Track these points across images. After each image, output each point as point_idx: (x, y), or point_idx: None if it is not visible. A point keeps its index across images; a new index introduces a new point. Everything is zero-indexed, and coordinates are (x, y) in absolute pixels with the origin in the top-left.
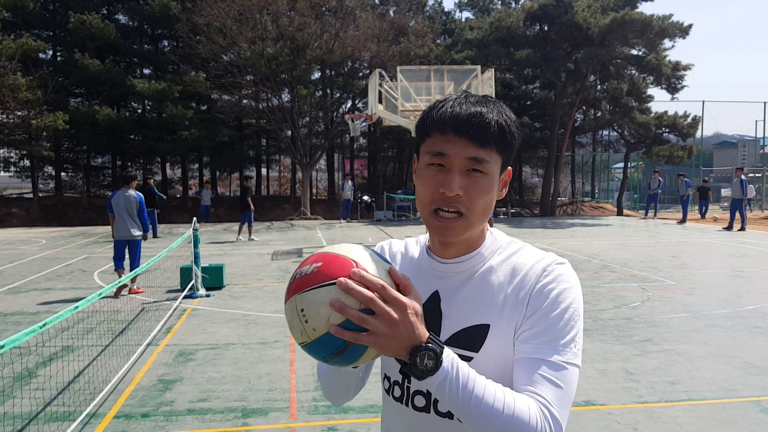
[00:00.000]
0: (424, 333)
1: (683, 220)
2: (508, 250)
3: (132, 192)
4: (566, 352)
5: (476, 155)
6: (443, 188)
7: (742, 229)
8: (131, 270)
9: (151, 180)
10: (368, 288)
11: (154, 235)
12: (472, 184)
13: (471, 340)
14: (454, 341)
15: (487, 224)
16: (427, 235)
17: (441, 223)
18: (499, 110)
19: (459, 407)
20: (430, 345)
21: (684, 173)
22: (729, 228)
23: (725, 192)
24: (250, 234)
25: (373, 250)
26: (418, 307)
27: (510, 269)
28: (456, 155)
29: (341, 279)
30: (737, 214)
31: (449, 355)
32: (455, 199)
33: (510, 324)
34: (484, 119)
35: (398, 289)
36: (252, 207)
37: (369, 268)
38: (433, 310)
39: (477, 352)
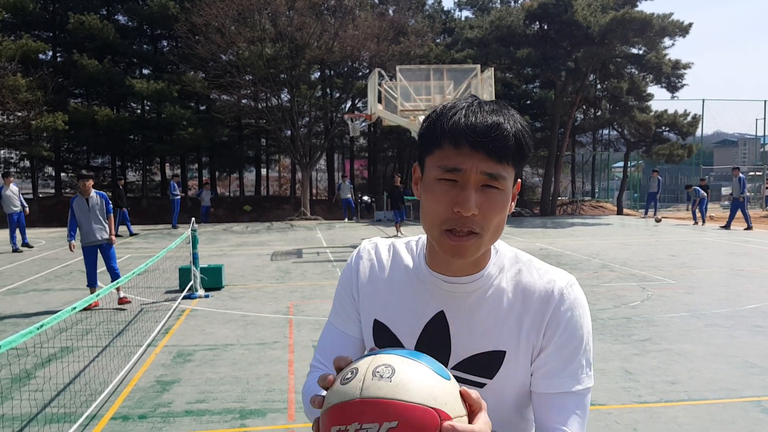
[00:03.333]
0: None
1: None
2: (515, 267)
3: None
4: (585, 378)
5: (494, 171)
6: (458, 207)
7: (749, 228)
8: (113, 277)
9: (122, 182)
10: None
11: (132, 233)
12: (488, 201)
13: (485, 366)
14: (467, 367)
15: None
16: (421, 243)
17: (454, 242)
18: (515, 119)
19: None
20: None
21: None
22: (727, 227)
23: (726, 190)
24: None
25: (429, 360)
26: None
27: (521, 290)
28: (472, 171)
29: None
30: (738, 213)
31: None
32: (470, 219)
33: (527, 351)
34: (503, 132)
35: (470, 412)
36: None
37: (451, 407)
38: (440, 331)
39: (491, 378)
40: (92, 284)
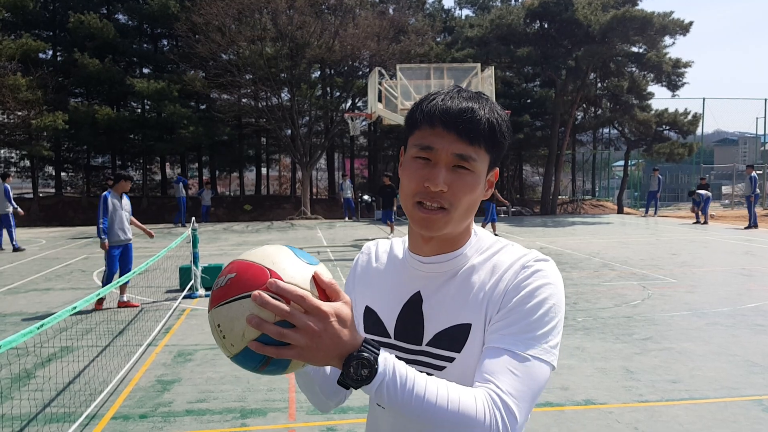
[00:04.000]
0: (355, 340)
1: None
2: (492, 249)
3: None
4: (535, 346)
5: (464, 152)
6: (428, 182)
7: (754, 226)
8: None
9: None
10: (286, 299)
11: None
12: (458, 180)
13: (453, 340)
14: (437, 342)
15: (473, 224)
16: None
17: (424, 214)
18: (491, 107)
19: (400, 408)
20: (363, 353)
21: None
22: (752, 226)
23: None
24: None
25: (297, 251)
26: (345, 314)
27: (491, 267)
28: (443, 150)
29: (255, 292)
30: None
31: (385, 360)
32: (439, 195)
33: (488, 321)
34: (476, 115)
35: (323, 295)
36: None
37: (289, 275)
38: (415, 311)
39: (459, 352)
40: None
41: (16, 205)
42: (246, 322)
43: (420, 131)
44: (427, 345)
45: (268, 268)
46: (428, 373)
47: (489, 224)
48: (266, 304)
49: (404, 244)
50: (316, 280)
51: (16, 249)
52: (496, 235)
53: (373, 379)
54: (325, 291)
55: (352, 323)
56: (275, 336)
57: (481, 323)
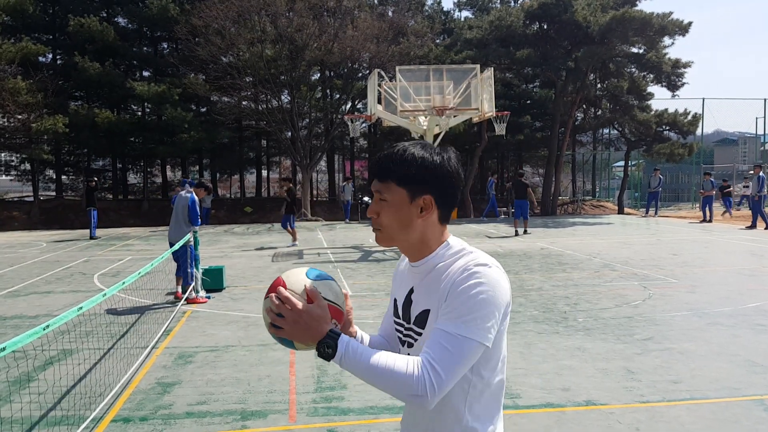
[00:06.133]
0: (322, 329)
1: (704, 219)
2: (455, 256)
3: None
4: (464, 327)
5: (377, 188)
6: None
7: (753, 226)
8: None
9: (93, 182)
10: (282, 300)
11: (92, 236)
12: (380, 209)
13: (422, 321)
14: (416, 322)
15: (447, 235)
16: None
17: (374, 234)
18: (408, 151)
19: (355, 373)
20: (327, 339)
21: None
22: (754, 226)
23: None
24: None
25: (311, 270)
26: (315, 312)
27: (448, 269)
28: (372, 188)
29: (270, 295)
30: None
31: (344, 341)
32: (374, 220)
33: (439, 309)
34: (382, 160)
35: (309, 300)
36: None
37: (290, 283)
38: (408, 300)
39: (423, 329)
40: (184, 281)
41: None
42: (264, 311)
43: None
44: (412, 324)
45: (283, 280)
46: (412, 344)
47: (521, 221)
48: (272, 303)
49: None
50: (306, 291)
51: None
52: (526, 231)
53: (335, 356)
54: (308, 296)
55: (321, 317)
56: (273, 321)
57: (436, 310)
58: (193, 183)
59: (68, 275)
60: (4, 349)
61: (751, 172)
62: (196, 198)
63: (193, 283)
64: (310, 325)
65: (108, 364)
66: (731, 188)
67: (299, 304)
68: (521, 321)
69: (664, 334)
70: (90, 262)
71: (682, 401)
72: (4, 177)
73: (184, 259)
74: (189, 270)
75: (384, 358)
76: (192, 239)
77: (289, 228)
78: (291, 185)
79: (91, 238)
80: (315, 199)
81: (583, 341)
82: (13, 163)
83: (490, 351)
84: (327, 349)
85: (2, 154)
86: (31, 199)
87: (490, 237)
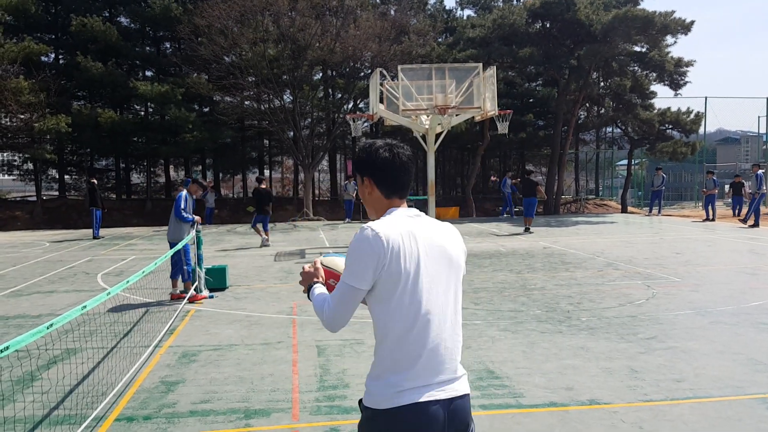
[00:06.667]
0: (310, 282)
1: (707, 218)
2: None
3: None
4: (344, 274)
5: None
6: None
7: (756, 224)
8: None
9: (93, 182)
10: (304, 269)
11: (95, 236)
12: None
13: None
14: None
15: (395, 206)
16: None
17: None
18: (358, 148)
19: (313, 306)
20: (309, 288)
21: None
22: (755, 224)
23: (727, 188)
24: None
25: (332, 254)
26: (308, 273)
27: None
28: None
29: (304, 265)
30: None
31: (314, 290)
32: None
33: None
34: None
35: (314, 268)
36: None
37: (320, 259)
38: None
39: None
40: (185, 279)
41: None
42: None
43: None
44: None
45: (318, 260)
46: None
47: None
48: (303, 268)
49: None
50: (315, 263)
51: None
52: (528, 229)
53: (309, 296)
54: (314, 266)
55: (310, 275)
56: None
57: None
58: (188, 181)
59: (71, 275)
60: (7, 348)
61: (750, 171)
62: (184, 194)
63: (197, 283)
64: (304, 280)
65: (111, 363)
66: (744, 186)
67: (306, 268)
68: (524, 320)
69: (667, 333)
70: (93, 262)
71: (685, 400)
72: (7, 177)
73: (179, 258)
74: (185, 267)
75: (321, 298)
76: (192, 239)
77: (257, 228)
78: (257, 185)
79: (95, 237)
80: (317, 198)
81: (586, 340)
82: (15, 163)
83: (381, 299)
84: (308, 293)
85: (5, 154)
86: (34, 198)
87: (498, 235)
